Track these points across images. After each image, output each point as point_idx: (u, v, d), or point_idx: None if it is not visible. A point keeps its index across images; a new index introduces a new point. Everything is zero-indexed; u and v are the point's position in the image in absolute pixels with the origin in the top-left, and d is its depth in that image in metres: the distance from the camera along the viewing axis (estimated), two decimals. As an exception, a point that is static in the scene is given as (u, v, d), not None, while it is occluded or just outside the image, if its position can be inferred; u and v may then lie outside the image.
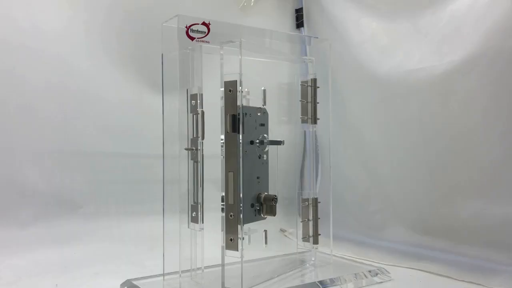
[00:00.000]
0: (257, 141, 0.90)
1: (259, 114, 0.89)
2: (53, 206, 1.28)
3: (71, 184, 1.31)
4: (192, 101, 0.94)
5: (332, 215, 1.13)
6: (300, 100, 1.08)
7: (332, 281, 0.99)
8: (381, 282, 1.04)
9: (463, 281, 1.10)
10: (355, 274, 1.04)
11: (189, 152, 0.95)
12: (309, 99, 1.08)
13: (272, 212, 0.90)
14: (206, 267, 0.98)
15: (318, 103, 1.08)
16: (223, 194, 0.87)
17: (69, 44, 1.32)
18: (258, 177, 0.87)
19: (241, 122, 0.84)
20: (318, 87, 1.08)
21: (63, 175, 1.30)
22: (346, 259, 1.24)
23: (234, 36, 0.89)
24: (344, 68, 1.54)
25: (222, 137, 0.84)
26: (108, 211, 1.36)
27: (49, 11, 1.29)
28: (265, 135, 0.90)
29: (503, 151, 1.15)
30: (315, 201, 1.10)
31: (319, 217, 1.10)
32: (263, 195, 0.87)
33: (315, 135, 1.15)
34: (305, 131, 1.16)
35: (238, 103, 0.84)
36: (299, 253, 1.17)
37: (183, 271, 0.97)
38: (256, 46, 1.02)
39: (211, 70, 0.98)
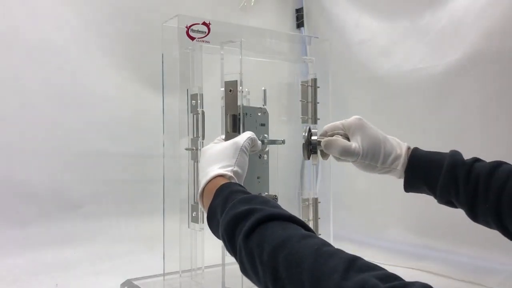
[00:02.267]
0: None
1: (259, 114, 0.89)
2: (53, 206, 1.28)
3: (71, 184, 1.31)
4: (192, 101, 0.94)
5: (332, 215, 1.13)
6: (300, 100, 1.07)
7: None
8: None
9: (463, 281, 1.10)
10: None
11: (189, 152, 0.95)
12: (309, 99, 1.08)
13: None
14: (206, 267, 0.98)
15: (318, 103, 1.08)
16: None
17: (69, 44, 1.32)
18: (258, 177, 0.87)
19: (242, 122, 0.84)
20: (318, 87, 1.08)
21: (63, 175, 1.30)
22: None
23: (234, 36, 0.89)
24: (344, 68, 1.54)
25: (223, 137, 0.84)
26: (108, 211, 1.36)
27: (49, 11, 1.29)
28: (265, 135, 0.90)
29: (502, 151, 1.15)
30: (315, 201, 1.10)
31: (319, 217, 1.09)
32: (263, 195, 0.87)
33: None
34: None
35: (239, 103, 0.84)
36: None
37: (183, 271, 0.97)
38: (256, 46, 1.02)
39: (211, 70, 0.99)
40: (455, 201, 0.71)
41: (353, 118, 0.81)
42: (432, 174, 0.73)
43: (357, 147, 0.78)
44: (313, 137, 0.85)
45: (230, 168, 0.69)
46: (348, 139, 0.81)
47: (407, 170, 0.76)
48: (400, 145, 0.79)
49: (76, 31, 1.33)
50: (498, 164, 0.68)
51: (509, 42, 1.13)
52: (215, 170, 0.69)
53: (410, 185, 0.78)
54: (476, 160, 0.72)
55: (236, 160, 0.71)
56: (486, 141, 1.19)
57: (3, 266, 1.13)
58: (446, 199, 0.73)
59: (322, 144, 0.81)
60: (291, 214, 0.53)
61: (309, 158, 0.86)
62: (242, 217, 0.54)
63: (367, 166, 0.79)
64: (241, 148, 0.72)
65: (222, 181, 0.66)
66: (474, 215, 0.69)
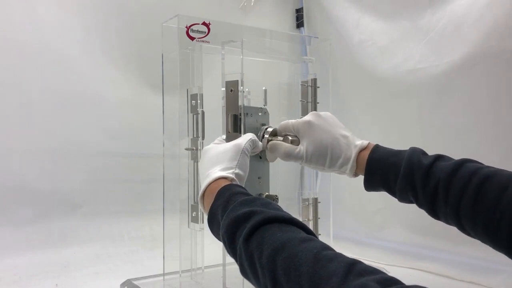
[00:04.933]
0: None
1: (260, 114, 0.89)
2: (53, 206, 1.28)
3: (71, 184, 1.31)
4: (192, 101, 0.94)
5: (332, 215, 1.13)
6: (300, 100, 1.07)
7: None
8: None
9: (463, 281, 1.10)
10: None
11: (189, 152, 0.95)
12: (309, 99, 1.08)
13: (272, 212, 0.90)
14: (206, 267, 0.98)
15: (318, 103, 1.08)
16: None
17: (69, 44, 1.32)
18: (259, 177, 0.87)
19: (243, 122, 0.84)
20: (318, 87, 1.08)
21: (63, 175, 1.30)
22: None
23: (234, 36, 0.89)
24: (344, 68, 1.54)
25: (224, 137, 0.84)
26: (108, 211, 1.36)
27: (49, 11, 1.29)
28: (266, 135, 0.90)
29: (502, 151, 1.15)
30: (315, 201, 1.10)
31: (319, 217, 1.10)
32: (264, 195, 0.87)
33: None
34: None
35: (240, 103, 0.84)
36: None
37: (183, 271, 0.97)
38: (257, 46, 1.02)
39: (211, 70, 0.99)
40: (415, 203, 0.70)
41: (301, 122, 0.80)
42: (390, 179, 0.71)
43: (300, 152, 0.78)
44: (265, 136, 0.86)
45: (231, 170, 0.69)
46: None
47: (365, 174, 0.74)
48: (351, 147, 0.76)
49: (75, 32, 1.33)
50: (459, 165, 0.64)
51: (509, 42, 1.13)
52: (217, 172, 0.69)
53: (370, 187, 0.76)
54: (436, 159, 0.67)
55: (238, 162, 0.71)
56: (486, 140, 1.19)
57: (3, 266, 1.13)
58: (407, 201, 0.71)
59: (268, 146, 0.83)
60: (291, 216, 0.53)
61: (261, 158, 0.87)
62: (242, 219, 0.54)
63: (314, 167, 0.80)
64: (242, 150, 0.72)
65: (224, 183, 0.66)
66: (435, 216, 0.68)
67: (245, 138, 0.75)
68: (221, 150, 0.74)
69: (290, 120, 0.83)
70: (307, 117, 0.80)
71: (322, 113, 0.81)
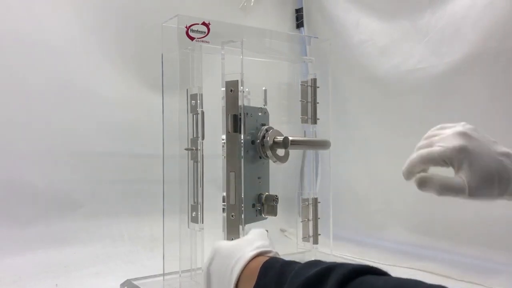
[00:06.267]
0: (258, 141, 0.90)
1: (260, 114, 0.89)
2: (53, 206, 1.28)
3: (71, 184, 1.31)
4: (192, 101, 0.94)
5: (332, 215, 1.13)
6: (300, 100, 1.08)
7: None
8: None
9: (463, 281, 1.10)
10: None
11: (189, 152, 0.95)
12: (309, 99, 1.08)
13: (273, 212, 0.90)
14: (206, 267, 0.98)
15: (318, 103, 1.08)
16: (225, 194, 0.87)
17: (69, 44, 1.32)
18: (259, 177, 0.87)
19: (243, 122, 0.84)
20: (318, 87, 1.08)
21: (63, 175, 1.30)
22: (346, 259, 1.24)
23: (234, 36, 0.89)
24: (344, 68, 1.54)
25: (223, 137, 0.84)
26: (108, 211, 1.36)
27: (49, 11, 1.29)
28: (265, 135, 0.90)
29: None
30: (315, 201, 1.10)
31: (319, 217, 1.10)
32: (264, 195, 0.87)
33: (315, 135, 1.15)
34: (305, 131, 1.16)
35: (240, 103, 0.84)
36: (299, 253, 1.17)
37: (183, 271, 0.97)
38: (257, 46, 1.02)
39: (211, 70, 0.99)
40: None
41: (453, 150, 0.60)
42: None
43: (461, 184, 0.60)
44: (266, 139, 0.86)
45: (270, 248, 0.59)
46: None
47: None
48: None
49: (75, 32, 1.33)
50: None
51: (509, 42, 1.13)
52: (250, 251, 0.58)
53: None
54: None
55: (271, 242, 0.62)
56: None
57: (3, 266, 1.13)
58: None
59: (416, 181, 0.66)
60: (377, 267, 0.47)
61: (260, 158, 0.86)
62: (316, 280, 0.45)
63: (478, 199, 0.61)
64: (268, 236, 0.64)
65: (263, 259, 0.56)
66: None
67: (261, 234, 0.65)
68: (243, 239, 0.63)
69: (432, 149, 0.63)
70: (457, 141, 0.61)
71: (468, 130, 0.64)
